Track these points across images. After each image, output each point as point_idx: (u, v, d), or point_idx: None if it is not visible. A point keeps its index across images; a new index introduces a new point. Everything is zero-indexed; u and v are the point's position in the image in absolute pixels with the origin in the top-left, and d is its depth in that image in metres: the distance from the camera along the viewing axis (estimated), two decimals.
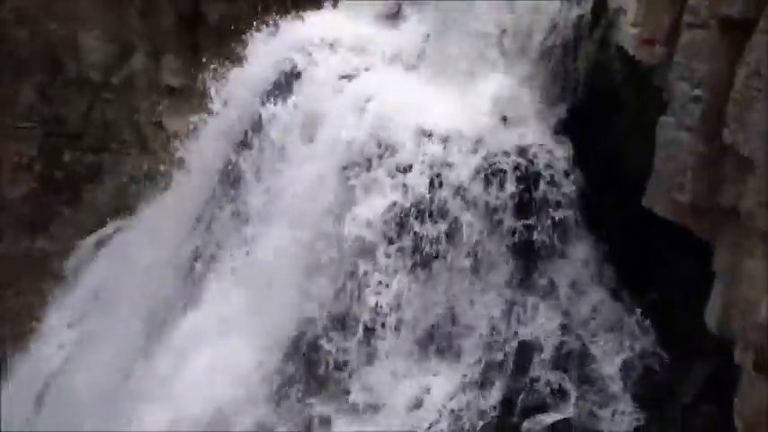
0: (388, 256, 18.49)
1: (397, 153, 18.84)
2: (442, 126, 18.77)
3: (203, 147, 22.05)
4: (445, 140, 18.70)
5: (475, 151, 18.60)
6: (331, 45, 21.18)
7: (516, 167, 18.25)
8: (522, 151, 18.40)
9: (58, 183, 31.84)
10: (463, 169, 18.44)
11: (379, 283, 18.47)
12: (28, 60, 32.43)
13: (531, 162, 18.28)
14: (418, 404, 18.10)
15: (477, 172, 18.44)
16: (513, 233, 18.29)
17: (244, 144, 21.19)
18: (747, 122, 14.58)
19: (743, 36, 14.98)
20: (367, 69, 20.67)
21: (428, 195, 18.46)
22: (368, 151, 18.95)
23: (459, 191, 18.34)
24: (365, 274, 18.46)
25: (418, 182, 18.46)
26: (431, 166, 18.55)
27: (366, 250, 18.51)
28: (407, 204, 18.50)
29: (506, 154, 18.44)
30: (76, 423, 21.63)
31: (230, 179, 21.18)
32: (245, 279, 19.98)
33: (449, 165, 18.57)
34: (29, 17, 32.18)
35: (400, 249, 18.40)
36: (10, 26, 32.09)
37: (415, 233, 18.41)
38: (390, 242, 18.54)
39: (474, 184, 18.37)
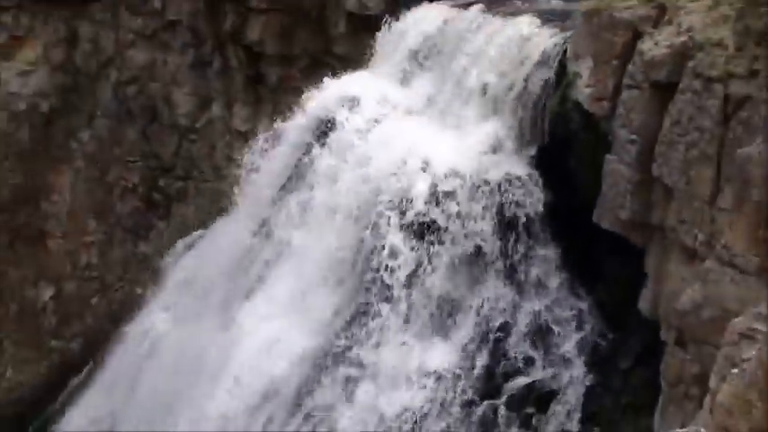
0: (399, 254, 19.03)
1: (408, 181, 19.29)
2: (442, 161, 19.33)
3: (261, 177, 22.35)
4: (446, 174, 19.10)
5: (465, 178, 19.14)
6: (359, 100, 21.25)
7: (498, 192, 18.93)
8: (501, 181, 18.98)
9: (155, 202, 33.23)
10: (458, 192, 19.10)
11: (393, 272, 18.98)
12: (134, 111, 33.35)
13: (509, 189, 18.86)
14: (423, 368, 18.66)
15: (469, 195, 19.04)
16: (500, 239, 18.99)
17: (293, 175, 21.69)
18: (670, 159, 15.78)
19: (667, 95, 16.06)
20: (384, 118, 21.08)
21: (432, 209, 19.12)
22: (385, 181, 19.45)
23: (458, 208, 18.98)
24: (385, 269, 19.04)
25: (422, 200, 19.14)
26: (432, 191, 19.09)
27: (386, 254, 19.07)
28: (416, 217, 19.16)
29: (487, 183, 19.09)
30: (168, 376, 22.73)
31: (284, 201, 21.44)
32: (291, 273, 20.38)
33: (448, 192, 19.08)
34: (138, 79, 33.27)
35: (412, 250, 19.00)
36: (123, 86, 32.99)
37: (423, 238, 19.04)
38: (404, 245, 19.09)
39: (465, 204, 19.01)
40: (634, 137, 16.43)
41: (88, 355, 31.26)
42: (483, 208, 18.90)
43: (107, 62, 33.50)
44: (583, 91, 17.72)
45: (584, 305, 18.76)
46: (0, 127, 33.15)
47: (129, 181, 33.90)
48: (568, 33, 18.73)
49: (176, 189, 33.60)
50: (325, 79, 22.47)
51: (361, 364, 18.93)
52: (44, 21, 33.04)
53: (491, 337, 18.58)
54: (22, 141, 33.37)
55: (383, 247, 19.01)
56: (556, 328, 18.58)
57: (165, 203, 33.75)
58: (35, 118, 33.33)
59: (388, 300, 18.96)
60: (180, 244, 27.81)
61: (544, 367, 18.27)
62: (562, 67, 18.56)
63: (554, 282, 19.01)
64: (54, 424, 29.33)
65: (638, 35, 16.79)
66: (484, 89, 19.85)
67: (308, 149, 21.42)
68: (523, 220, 18.91)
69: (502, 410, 17.88)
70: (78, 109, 33.63)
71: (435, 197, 19.05)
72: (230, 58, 32.26)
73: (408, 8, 22.94)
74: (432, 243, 18.94)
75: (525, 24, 19.87)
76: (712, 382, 7.67)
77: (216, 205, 27.24)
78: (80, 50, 33.47)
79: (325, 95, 21.82)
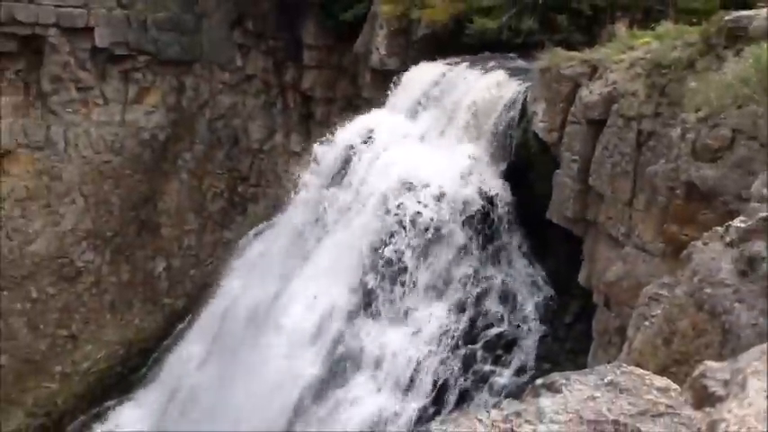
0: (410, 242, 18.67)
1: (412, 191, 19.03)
2: (438, 175, 19.10)
3: (309, 184, 21.83)
4: (439, 182, 18.80)
5: (453, 185, 18.87)
6: (373, 131, 21.16)
7: (480, 197, 18.76)
8: (481, 189, 18.76)
9: (235, 202, 33.42)
10: (447, 195, 18.84)
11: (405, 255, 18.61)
12: (222, 138, 33.22)
13: (488, 195, 18.71)
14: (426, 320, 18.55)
15: (456, 197, 18.78)
16: (479, 230, 18.72)
17: (330, 184, 21.47)
18: (601, 174, 15.66)
19: (599, 128, 15.89)
20: (395, 144, 20.79)
21: (430, 206, 18.79)
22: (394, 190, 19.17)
23: (451, 206, 18.68)
24: (395, 252, 18.74)
25: (427, 202, 18.86)
26: (435, 196, 18.88)
27: (397, 240, 18.83)
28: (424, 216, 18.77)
29: (469, 188, 18.89)
30: (241, 324, 22.72)
31: (323, 203, 21.24)
32: (330, 253, 20.21)
33: (442, 194, 18.77)
34: (224, 116, 33.78)
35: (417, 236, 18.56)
36: (215, 121, 33.42)
37: (427, 230, 18.64)
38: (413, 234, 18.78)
39: (453, 203, 18.77)
40: (576, 158, 16.28)
41: (189, 309, 31.28)
42: (466, 206, 18.62)
43: (203, 104, 33.64)
44: (539, 125, 17.54)
45: (539, 277, 18.57)
46: (132, 150, 33.31)
47: (218, 187, 34.29)
48: (528, 84, 18.45)
49: (250, 193, 34.03)
50: (356, 116, 22.43)
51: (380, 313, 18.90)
52: (162, 76, 33.22)
53: (473, 299, 18.41)
54: (146, 160, 33.55)
55: (395, 236, 18.74)
56: (518, 293, 18.37)
57: (242, 203, 34.16)
58: (155, 144, 33.47)
59: (401, 271, 18.68)
60: (252, 232, 27.58)
61: (510, 322, 18.04)
62: (524, 107, 18.37)
63: (518, 259, 18.83)
64: (168, 354, 29.37)
65: (577, 85, 16.60)
66: (467, 122, 19.58)
67: (344, 162, 21.27)
68: (496, 215, 18.68)
69: (480, 352, 17.67)
70: (183, 137, 33.82)
71: (433, 198, 18.72)
72: (289, 101, 32.67)
73: (415, 65, 22.63)
74: (428, 230, 18.58)
75: (498, 77, 19.63)
76: (630, 333, 7.51)
77: (277, 205, 26.92)
78: (185, 96, 33.60)
79: (356, 125, 21.72)
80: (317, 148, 22.23)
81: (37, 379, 31.42)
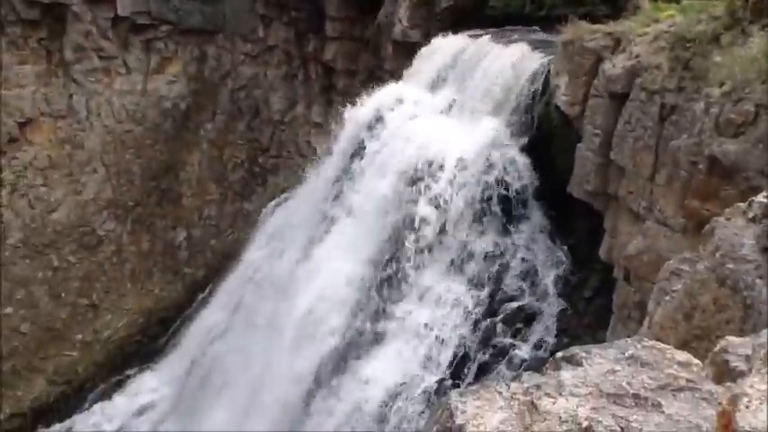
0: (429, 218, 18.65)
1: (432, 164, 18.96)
2: (458, 148, 18.99)
3: (332, 155, 21.95)
4: (461, 156, 18.69)
5: (476, 159, 18.69)
6: (400, 101, 20.95)
7: (503, 169, 18.63)
8: (504, 162, 18.62)
9: (255, 173, 33.51)
10: (469, 169, 18.75)
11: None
12: (243, 109, 33.75)
13: (509, 169, 18.61)
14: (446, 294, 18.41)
15: (477, 171, 18.69)
16: (499, 203, 18.65)
17: (354, 155, 21.32)
18: (623, 148, 15.51)
19: (621, 102, 15.77)
20: (418, 116, 20.65)
21: (453, 184, 18.72)
22: (416, 162, 19.13)
23: (474, 181, 18.67)
24: (416, 225, 18.71)
25: (448, 175, 18.78)
26: (455, 170, 18.75)
27: (418, 213, 18.79)
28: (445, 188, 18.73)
29: (490, 163, 18.67)
30: (263, 293, 22.87)
31: (347, 173, 21.18)
32: (352, 225, 20.29)
33: (463, 167, 18.70)
34: (246, 87, 33.73)
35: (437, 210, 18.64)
36: (236, 92, 33.64)
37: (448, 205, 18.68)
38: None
39: (476, 176, 18.71)
40: (598, 131, 16.17)
41: (209, 279, 31.32)
42: (487, 180, 18.49)
43: (225, 75, 33.61)
44: (561, 98, 17.39)
45: (559, 251, 18.43)
46: (153, 120, 33.29)
47: (239, 158, 34.25)
48: (551, 57, 18.32)
49: (271, 164, 34.00)
50: (378, 88, 22.24)
51: (400, 287, 18.84)
52: (184, 46, 33.18)
53: (493, 273, 18.33)
54: (168, 130, 33.55)
55: (416, 209, 18.64)
56: (539, 268, 18.26)
57: (263, 174, 34.15)
58: (176, 113, 33.46)
59: (422, 244, 18.61)
60: (272, 203, 27.42)
61: (530, 295, 17.93)
62: (546, 81, 18.25)
63: (538, 234, 18.70)
64: (188, 324, 29.48)
65: (600, 59, 16.47)
66: (489, 96, 19.48)
67: (366, 134, 21.14)
68: (517, 189, 18.53)
69: (499, 326, 17.60)
70: (205, 108, 33.79)
71: (453, 172, 18.65)
72: (311, 72, 32.65)
73: (438, 36, 22.46)
74: (448, 203, 18.54)
75: (520, 50, 19.52)
76: (650, 307, 7.47)
77: (298, 176, 26.71)
78: (207, 66, 33.56)
79: (379, 97, 21.59)
80: (347, 111, 22.06)
81: (58, 347, 31.67)
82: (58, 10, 30.85)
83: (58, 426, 29.97)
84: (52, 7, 30.72)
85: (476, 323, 17.90)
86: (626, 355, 4.03)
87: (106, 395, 30.43)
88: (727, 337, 4.07)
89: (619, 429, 3.49)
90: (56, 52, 31.62)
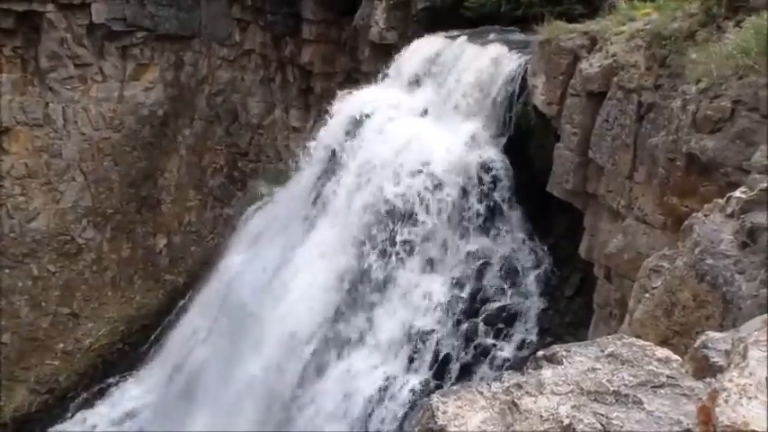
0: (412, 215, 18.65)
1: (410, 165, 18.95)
2: (440, 148, 18.84)
3: (311, 159, 21.93)
4: (440, 157, 18.68)
5: (454, 160, 18.67)
6: (377, 104, 20.92)
7: (482, 169, 18.52)
8: (483, 162, 18.56)
9: (235, 178, 33.42)
10: (449, 169, 18.67)
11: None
12: (221, 114, 33.18)
13: (488, 169, 18.54)
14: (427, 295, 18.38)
15: (457, 171, 18.59)
16: (479, 203, 18.56)
17: (332, 158, 21.27)
18: (601, 147, 15.51)
19: (599, 101, 15.76)
20: (396, 118, 20.50)
21: (431, 185, 18.69)
22: (395, 164, 19.11)
23: (453, 182, 18.59)
24: (396, 227, 18.76)
25: (426, 176, 18.68)
26: (434, 170, 18.73)
27: (398, 214, 18.74)
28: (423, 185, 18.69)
29: (469, 163, 18.62)
30: (244, 298, 22.44)
31: (325, 176, 21.06)
32: (331, 227, 20.24)
33: (441, 168, 18.69)
34: (223, 91, 33.72)
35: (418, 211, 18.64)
36: (213, 96, 33.03)
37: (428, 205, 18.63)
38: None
39: (455, 176, 18.64)
40: (576, 130, 16.14)
41: (190, 285, 31.21)
42: (467, 181, 18.42)
43: (202, 80, 33.71)
44: (539, 98, 17.37)
45: (540, 251, 18.37)
46: (131, 127, 33.39)
47: (218, 163, 34.36)
48: (528, 57, 18.24)
49: (250, 169, 33.96)
50: (354, 90, 22.27)
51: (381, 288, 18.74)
52: (160, 52, 33.25)
53: (474, 273, 18.26)
54: (146, 137, 33.61)
55: (395, 211, 18.64)
56: (519, 267, 18.21)
57: (242, 179, 34.07)
58: (154, 120, 33.54)
59: (401, 246, 18.57)
60: (252, 208, 27.26)
61: (511, 295, 17.91)
62: (523, 81, 18.21)
63: (518, 233, 18.58)
64: (169, 331, 29.33)
65: (577, 58, 16.41)
66: (467, 96, 19.36)
67: (345, 137, 20.96)
68: (497, 189, 18.41)
69: (481, 326, 17.58)
70: (182, 114, 33.89)
71: (432, 172, 18.56)
72: (288, 76, 32.39)
73: (414, 38, 22.41)
74: (428, 204, 18.44)
75: (497, 51, 19.41)
76: (630, 305, 7.50)
77: (277, 180, 26.78)
78: (184, 72, 33.66)
79: (355, 100, 21.53)
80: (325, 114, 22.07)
81: (39, 356, 31.56)
82: (32, 18, 30.75)
83: None
84: (27, 15, 30.61)
85: (457, 323, 17.83)
86: (606, 352, 4.04)
87: (88, 404, 30.24)
88: (707, 332, 4.08)
89: (600, 427, 3.49)
90: (31, 60, 31.56)
